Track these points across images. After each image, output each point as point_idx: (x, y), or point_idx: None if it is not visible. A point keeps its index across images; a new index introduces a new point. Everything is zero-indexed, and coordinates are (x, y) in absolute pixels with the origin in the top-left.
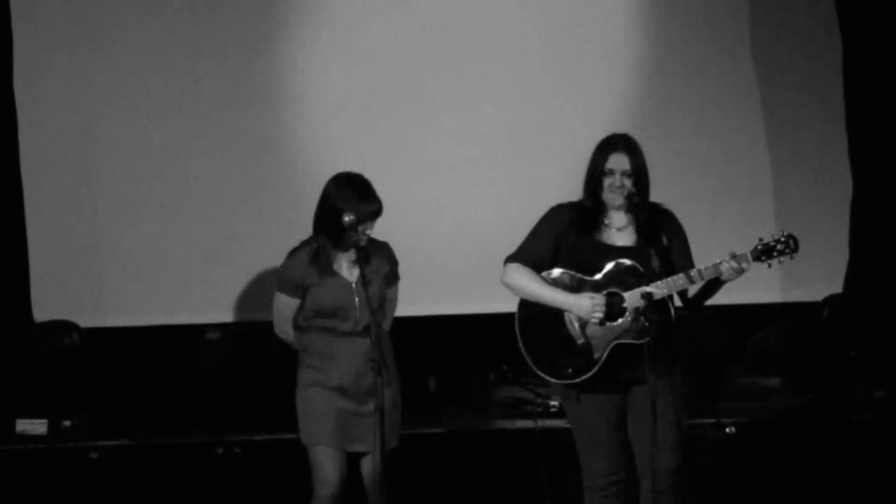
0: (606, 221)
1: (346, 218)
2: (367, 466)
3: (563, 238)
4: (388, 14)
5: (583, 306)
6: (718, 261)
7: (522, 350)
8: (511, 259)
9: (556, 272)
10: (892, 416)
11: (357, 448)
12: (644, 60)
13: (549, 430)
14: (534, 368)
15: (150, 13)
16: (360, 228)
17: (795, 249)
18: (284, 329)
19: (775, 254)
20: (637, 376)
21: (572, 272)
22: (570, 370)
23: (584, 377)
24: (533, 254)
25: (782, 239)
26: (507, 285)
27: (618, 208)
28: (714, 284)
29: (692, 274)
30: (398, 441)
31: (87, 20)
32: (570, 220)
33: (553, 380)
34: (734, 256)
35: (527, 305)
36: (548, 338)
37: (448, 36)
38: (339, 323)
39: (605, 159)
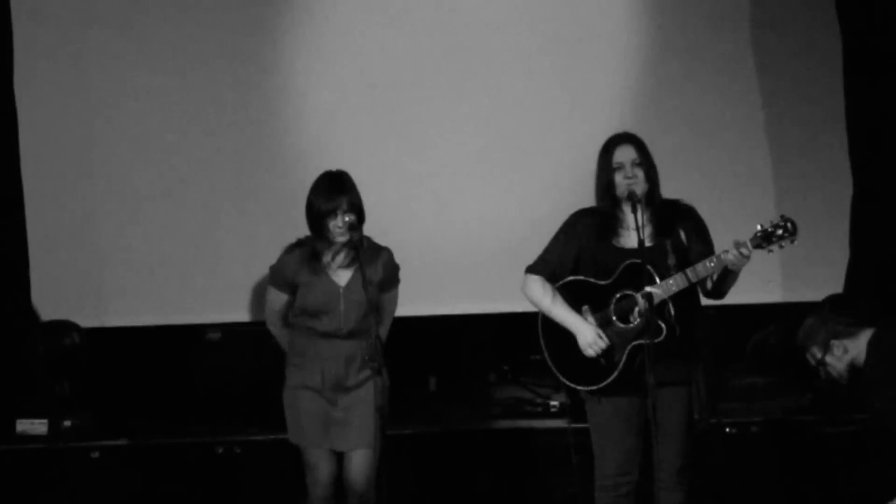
0: (624, 223)
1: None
2: (349, 466)
3: (584, 244)
4: (388, 14)
5: (584, 336)
6: (718, 253)
7: (547, 358)
8: (531, 270)
9: (570, 280)
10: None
11: (339, 447)
12: (645, 62)
13: (549, 430)
14: (558, 376)
15: (151, 14)
16: (332, 223)
17: (794, 233)
18: (273, 322)
19: (774, 239)
20: (658, 378)
21: (586, 278)
22: (592, 375)
23: (606, 382)
24: (553, 262)
25: (780, 223)
26: (526, 297)
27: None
28: (725, 274)
29: (688, 273)
30: (381, 442)
31: (87, 20)
32: (591, 225)
33: (577, 387)
34: (736, 245)
35: None
36: (569, 344)
37: (450, 36)
38: (323, 324)
39: (612, 156)
